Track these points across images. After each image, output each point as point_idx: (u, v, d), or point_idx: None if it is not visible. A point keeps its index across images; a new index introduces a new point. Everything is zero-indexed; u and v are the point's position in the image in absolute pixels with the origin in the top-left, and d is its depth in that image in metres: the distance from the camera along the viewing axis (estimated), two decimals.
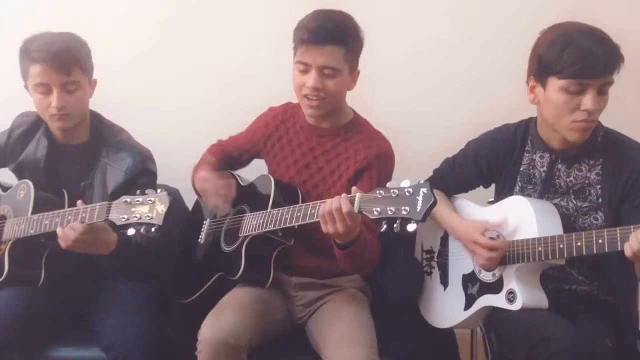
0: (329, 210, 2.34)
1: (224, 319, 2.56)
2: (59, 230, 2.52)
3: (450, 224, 2.70)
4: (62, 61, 2.67)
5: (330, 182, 2.58)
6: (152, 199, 2.37)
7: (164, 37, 3.35)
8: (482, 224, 2.60)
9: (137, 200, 2.38)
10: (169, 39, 3.35)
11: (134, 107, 2.85)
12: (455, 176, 2.79)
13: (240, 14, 3.34)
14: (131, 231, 2.39)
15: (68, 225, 2.50)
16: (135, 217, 2.37)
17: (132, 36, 3.29)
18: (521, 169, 2.64)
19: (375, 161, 2.62)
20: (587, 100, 2.40)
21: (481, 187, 2.80)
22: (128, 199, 2.40)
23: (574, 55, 2.39)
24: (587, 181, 2.54)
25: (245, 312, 2.59)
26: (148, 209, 2.36)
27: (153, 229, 2.36)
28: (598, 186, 2.53)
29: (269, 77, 3.17)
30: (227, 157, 2.93)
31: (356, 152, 2.66)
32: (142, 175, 2.77)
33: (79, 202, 2.56)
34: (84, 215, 2.50)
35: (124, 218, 2.38)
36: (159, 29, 3.35)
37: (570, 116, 2.44)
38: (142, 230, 2.37)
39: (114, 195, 2.67)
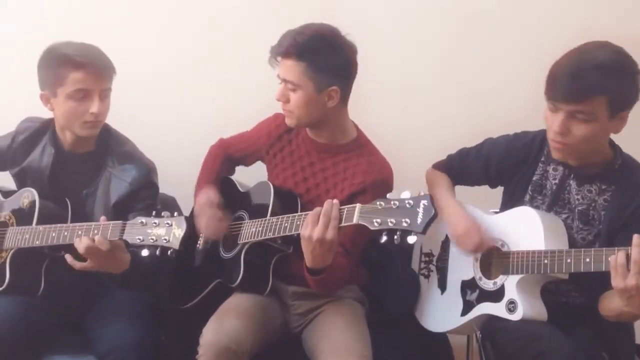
0: (317, 212, 2.34)
1: (227, 325, 2.53)
2: (77, 242, 2.49)
3: (448, 210, 2.65)
4: (105, 67, 2.67)
5: (325, 201, 2.46)
6: (170, 222, 2.38)
7: (162, 44, 3.34)
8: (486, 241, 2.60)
9: (154, 222, 2.39)
10: (167, 46, 3.34)
11: (130, 114, 2.84)
12: (464, 169, 2.79)
13: (238, 23, 3.34)
14: (145, 252, 2.39)
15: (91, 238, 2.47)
16: (151, 239, 2.38)
17: (130, 43, 3.27)
18: (534, 178, 2.62)
19: (371, 187, 2.57)
20: (555, 120, 2.41)
21: (488, 192, 2.79)
22: (144, 219, 2.41)
23: (549, 76, 2.41)
24: (593, 204, 2.52)
25: (248, 318, 2.58)
26: (165, 232, 2.37)
27: (169, 252, 2.37)
28: (602, 212, 2.50)
29: (267, 85, 3.14)
30: (229, 160, 2.93)
31: (354, 174, 2.63)
32: (145, 188, 2.76)
33: (103, 217, 2.53)
34: (95, 232, 2.48)
35: (139, 239, 2.39)
36: (157, 36, 3.35)
37: (549, 134, 2.46)
38: (157, 252, 2.38)
39: (117, 206, 2.69)
